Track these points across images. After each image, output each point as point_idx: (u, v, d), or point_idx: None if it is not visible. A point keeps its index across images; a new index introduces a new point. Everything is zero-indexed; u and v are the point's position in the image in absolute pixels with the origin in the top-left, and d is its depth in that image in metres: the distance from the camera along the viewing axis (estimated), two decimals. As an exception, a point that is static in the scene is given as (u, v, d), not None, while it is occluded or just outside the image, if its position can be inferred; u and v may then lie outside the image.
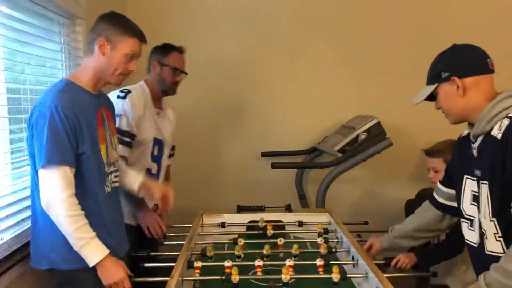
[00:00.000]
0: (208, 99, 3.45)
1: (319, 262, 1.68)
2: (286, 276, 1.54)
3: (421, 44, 3.43)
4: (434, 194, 1.72)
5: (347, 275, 1.61)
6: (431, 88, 1.54)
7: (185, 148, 3.45)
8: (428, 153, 2.06)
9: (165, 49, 2.28)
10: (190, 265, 1.72)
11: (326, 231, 2.16)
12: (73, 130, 1.53)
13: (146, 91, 2.24)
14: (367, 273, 1.65)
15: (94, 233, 1.54)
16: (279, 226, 2.31)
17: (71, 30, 2.44)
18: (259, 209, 2.43)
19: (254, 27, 3.43)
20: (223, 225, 2.32)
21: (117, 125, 1.98)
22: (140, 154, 2.21)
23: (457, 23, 3.42)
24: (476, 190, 1.43)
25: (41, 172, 1.50)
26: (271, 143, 3.41)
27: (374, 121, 2.84)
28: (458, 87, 1.44)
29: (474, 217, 1.44)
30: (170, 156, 2.48)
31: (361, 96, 3.45)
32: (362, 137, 2.80)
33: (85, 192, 1.58)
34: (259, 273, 1.66)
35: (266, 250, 1.82)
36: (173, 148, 2.51)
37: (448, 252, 1.87)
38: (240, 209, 2.43)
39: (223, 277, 1.58)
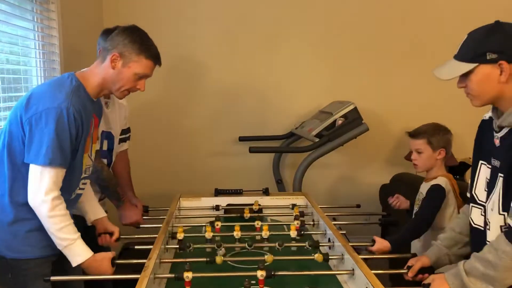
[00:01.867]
0: (185, 84, 3.41)
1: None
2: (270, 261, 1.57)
3: (398, 31, 3.47)
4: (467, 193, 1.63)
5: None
6: (469, 66, 1.34)
7: (163, 133, 3.44)
8: (411, 135, 2.05)
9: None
10: (181, 249, 1.74)
11: (302, 214, 2.18)
12: (76, 136, 1.52)
13: None
14: (343, 255, 1.68)
15: (79, 233, 1.53)
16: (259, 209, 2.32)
17: (45, 8, 2.37)
18: (237, 192, 2.43)
19: (231, 11, 3.40)
20: (217, 207, 2.33)
21: None
22: None
23: (435, 12, 3.46)
24: (489, 178, 1.40)
25: (35, 168, 1.47)
26: (249, 128, 3.41)
27: (351, 107, 2.87)
28: (502, 72, 1.30)
29: (485, 204, 1.42)
30: (125, 140, 2.33)
31: (338, 81, 3.48)
32: (339, 122, 2.83)
33: None
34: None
35: (236, 234, 1.83)
36: (128, 131, 2.34)
37: (415, 231, 1.92)
38: (218, 193, 2.43)
39: (208, 259, 1.59)
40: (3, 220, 1.52)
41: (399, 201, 2.19)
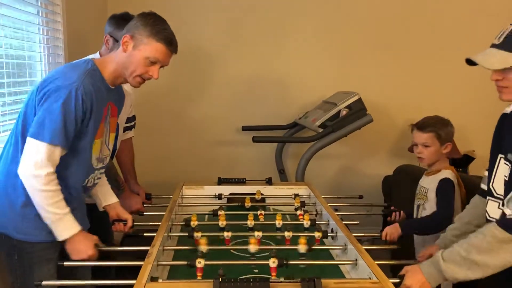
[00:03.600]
0: (190, 73, 3.40)
1: (317, 236, 1.71)
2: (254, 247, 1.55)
3: (403, 23, 3.44)
4: (481, 184, 1.62)
5: (326, 247, 1.65)
6: None
7: (167, 122, 3.44)
8: (420, 127, 1.96)
9: (119, 21, 1.98)
10: (190, 236, 1.71)
11: (303, 204, 2.18)
12: (82, 118, 1.50)
13: None
14: (345, 245, 1.68)
15: (68, 208, 1.51)
16: (261, 199, 2.32)
17: (48, -8, 2.35)
18: (240, 181, 2.43)
19: (238, 1, 3.37)
20: (220, 196, 2.31)
21: None
22: None
23: (441, 4, 3.43)
24: (509, 173, 1.37)
25: (32, 141, 1.45)
26: (253, 118, 3.41)
27: (356, 97, 2.86)
28: None
29: (503, 198, 1.39)
30: (131, 128, 2.32)
31: (342, 72, 3.46)
32: (343, 112, 2.82)
33: (65, 183, 1.54)
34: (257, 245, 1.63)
35: (249, 222, 1.82)
36: (133, 118, 2.32)
37: (433, 228, 1.90)
38: (221, 181, 2.43)
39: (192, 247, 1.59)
40: (14, 201, 1.51)
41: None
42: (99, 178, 1.74)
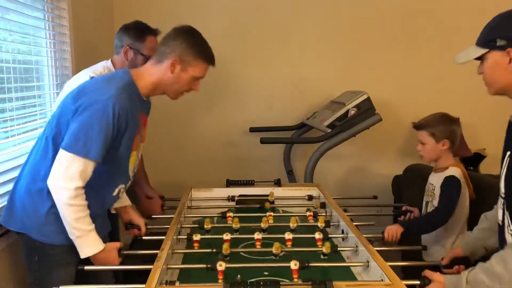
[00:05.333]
0: (196, 72, 3.39)
1: (317, 235, 1.68)
2: (277, 250, 1.54)
3: (412, 20, 3.41)
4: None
5: (338, 249, 1.62)
6: (480, 52, 1.32)
7: (174, 124, 3.43)
8: (415, 126, 2.06)
9: (139, 33, 2.05)
10: (188, 238, 1.72)
11: (323, 205, 2.16)
12: (117, 132, 1.50)
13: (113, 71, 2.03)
14: (357, 246, 1.66)
15: (93, 225, 1.51)
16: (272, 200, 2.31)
17: (55, -3, 2.36)
18: (249, 183, 2.42)
19: (243, 2, 3.37)
20: (232, 198, 2.31)
21: None
22: None
23: (449, 1, 3.40)
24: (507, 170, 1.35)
25: (65, 154, 1.45)
26: (260, 119, 3.40)
27: (364, 97, 2.83)
28: (510, 60, 1.26)
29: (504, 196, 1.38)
30: None
31: (350, 71, 3.44)
32: (352, 112, 2.80)
33: (95, 188, 1.54)
34: (258, 247, 1.65)
35: (264, 223, 1.81)
36: None
37: (431, 224, 1.90)
38: (230, 184, 2.42)
39: (214, 250, 1.58)
40: (39, 206, 1.52)
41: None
42: (126, 187, 1.75)
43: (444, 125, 1.97)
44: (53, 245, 1.55)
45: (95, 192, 1.55)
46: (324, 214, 2.12)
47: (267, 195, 2.30)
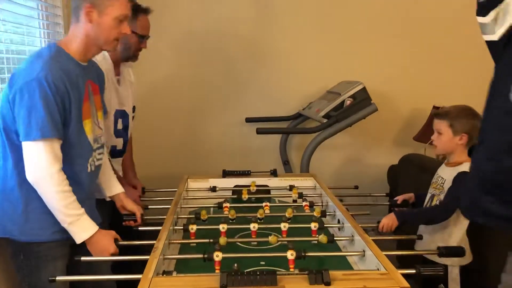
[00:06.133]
0: (192, 65, 3.37)
1: (313, 227, 1.69)
2: (274, 241, 1.55)
3: (407, 10, 3.40)
4: None
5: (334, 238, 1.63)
6: None
7: (169, 114, 3.42)
8: (436, 114, 1.97)
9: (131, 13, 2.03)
10: (185, 229, 1.71)
11: (301, 195, 2.16)
12: (63, 103, 1.45)
13: (108, 58, 2.00)
14: (353, 236, 1.67)
15: (83, 209, 1.50)
16: (264, 190, 2.32)
17: (48, -14, 2.33)
18: (245, 174, 2.42)
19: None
20: (213, 189, 2.30)
21: None
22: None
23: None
24: None
25: (29, 145, 1.42)
26: (256, 109, 3.39)
27: (360, 87, 2.83)
28: None
29: None
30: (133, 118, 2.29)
31: (346, 61, 3.43)
32: (348, 102, 2.80)
33: (67, 169, 1.50)
34: (253, 237, 1.66)
35: (260, 214, 1.81)
36: (134, 109, 2.25)
37: (432, 218, 1.89)
38: (226, 174, 2.42)
39: (211, 240, 1.58)
40: (15, 203, 1.50)
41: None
42: (99, 159, 1.70)
43: (466, 119, 1.87)
44: (38, 242, 1.52)
45: (69, 172, 1.51)
46: (320, 204, 2.12)
47: (263, 185, 2.31)
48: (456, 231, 1.89)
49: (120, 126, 2.10)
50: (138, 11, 2.02)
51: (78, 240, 1.50)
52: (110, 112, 2.01)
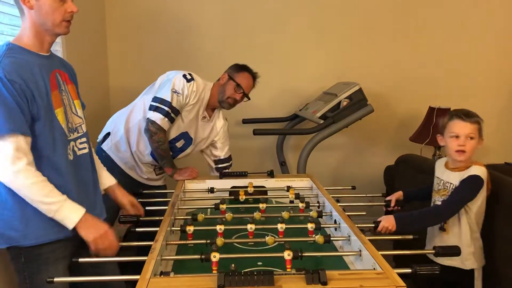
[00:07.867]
0: (187, 65, 3.37)
1: (310, 227, 1.70)
2: (271, 242, 1.56)
3: (403, 11, 3.42)
4: None
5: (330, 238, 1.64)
6: None
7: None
8: (466, 115, 1.78)
9: (239, 67, 2.44)
10: (182, 230, 1.72)
11: (298, 196, 2.17)
12: (23, 97, 1.41)
13: (207, 92, 2.38)
14: (349, 236, 1.68)
15: (65, 195, 1.47)
16: (261, 191, 2.32)
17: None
18: (242, 175, 2.42)
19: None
20: (211, 190, 2.30)
21: (169, 99, 2.22)
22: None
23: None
24: None
25: None
26: (253, 110, 3.39)
27: (356, 88, 2.84)
28: None
29: None
30: (226, 168, 2.54)
31: (342, 62, 3.44)
32: (344, 103, 2.81)
33: (41, 163, 1.47)
34: (250, 237, 1.67)
35: (257, 216, 1.82)
36: (229, 159, 2.57)
37: (431, 220, 1.89)
38: (223, 175, 2.43)
39: (208, 241, 1.58)
40: (12, 211, 1.47)
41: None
42: (82, 148, 1.66)
43: (482, 123, 1.82)
44: (40, 245, 1.51)
45: (48, 162, 1.49)
46: (317, 204, 2.13)
47: (260, 186, 2.31)
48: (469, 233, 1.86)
49: (179, 145, 2.42)
50: (243, 68, 2.44)
51: (70, 225, 1.47)
52: (180, 129, 2.38)
